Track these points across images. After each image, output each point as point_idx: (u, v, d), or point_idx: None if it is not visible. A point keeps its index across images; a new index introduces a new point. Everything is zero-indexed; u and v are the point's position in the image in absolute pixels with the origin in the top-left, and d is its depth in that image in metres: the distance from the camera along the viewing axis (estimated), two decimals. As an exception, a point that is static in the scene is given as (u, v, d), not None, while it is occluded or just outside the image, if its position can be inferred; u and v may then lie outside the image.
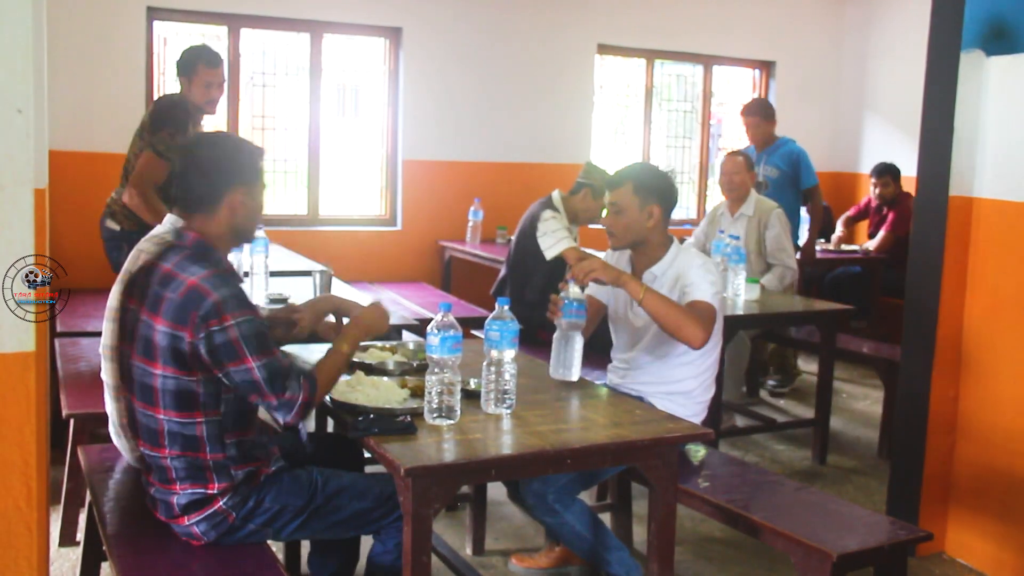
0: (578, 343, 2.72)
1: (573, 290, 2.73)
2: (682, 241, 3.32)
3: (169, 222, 2.79)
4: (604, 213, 5.18)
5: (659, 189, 3.13)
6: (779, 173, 5.93)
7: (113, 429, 2.75)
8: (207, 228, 2.37)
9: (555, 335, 2.76)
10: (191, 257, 2.30)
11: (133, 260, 2.70)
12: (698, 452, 3.22)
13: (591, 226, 5.94)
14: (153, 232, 2.78)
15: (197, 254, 2.31)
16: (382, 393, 2.50)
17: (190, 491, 2.32)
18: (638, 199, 3.09)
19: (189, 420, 2.28)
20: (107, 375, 2.70)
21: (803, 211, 6.79)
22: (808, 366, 6.48)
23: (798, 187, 5.98)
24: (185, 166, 2.38)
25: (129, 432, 2.70)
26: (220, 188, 2.35)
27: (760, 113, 5.98)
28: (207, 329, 2.19)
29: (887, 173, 6.82)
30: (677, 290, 3.06)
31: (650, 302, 2.89)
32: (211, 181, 2.35)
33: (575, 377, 2.73)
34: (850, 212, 7.22)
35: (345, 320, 2.78)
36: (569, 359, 2.71)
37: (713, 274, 3.05)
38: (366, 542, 2.63)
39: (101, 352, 2.73)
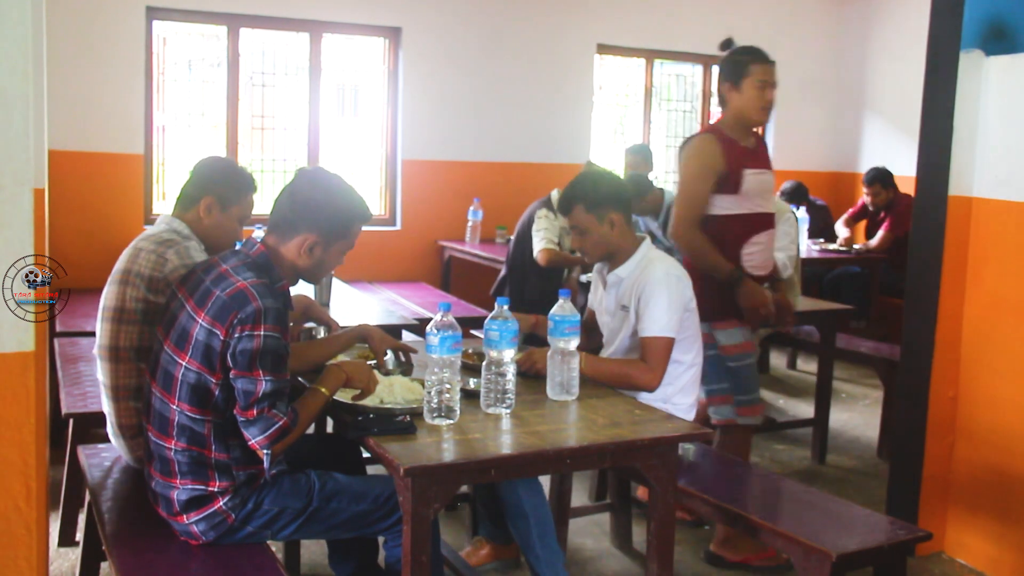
0: (574, 362, 2.66)
1: (567, 306, 2.64)
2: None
3: (164, 221, 2.80)
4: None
5: (609, 196, 3.06)
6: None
7: (111, 429, 2.75)
8: (277, 247, 2.44)
9: (549, 354, 2.67)
10: (250, 265, 2.37)
11: (131, 258, 2.70)
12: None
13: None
14: (149, 231, 2.79)
15: (257, 264, 2.39)
16: (400, 392, 2.51)
17: (191, 487, 2.32)
18: (593, 215, 3.05)
19: (199, 417, 2.31)
20: (103, 375, 2.70)
21: (803, 210, 6.83)
22: (808, 366, 6.49)
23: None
24: (294, 190, 2.46)
25: (127, 432, 2.70)
26: (301, 223, 2.42)
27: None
28: (240, 332, 2.24)
29: (876, 182, 6.84)
30: (635, 304, 3.04)
31: (591, 371, 2.91)
32: (297, 214, 2.42)
33: (574, 396, 2.67)
34: (849, 212, 7.22)
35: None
36: (567, 379, 2.64)
37: (669, 295, 2.98)
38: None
39: (96, 353, 2.72)
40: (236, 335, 2.24)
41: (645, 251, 3.10)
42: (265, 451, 2.27)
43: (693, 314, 3.11)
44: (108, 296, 2.70)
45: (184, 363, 2.30)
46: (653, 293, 2.98)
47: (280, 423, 2.26)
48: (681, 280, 3.05)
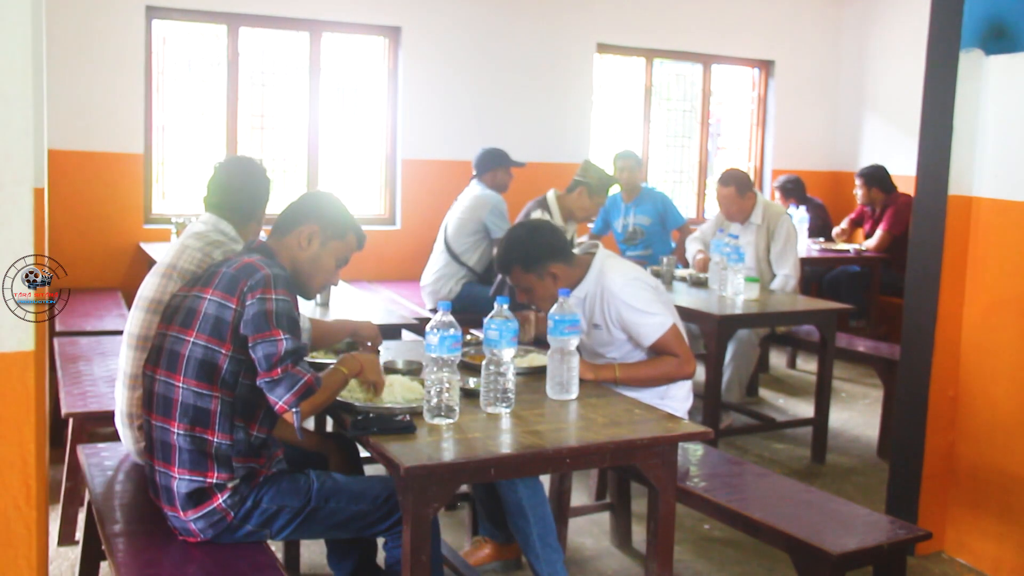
0: (574, 361, 2.67)
1: (566, 305, 2.65)
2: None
3: (211, 223, 2.82)
4: (600, 210, 5.32)
5: (543, 250, 3.05)
6: (650, 221, 6.07)
7: (120, 418, 2.75)
8: (278, 241, 2.54)
9: (549, 353, 2.69)
10: (251, 251, 2.49)
11: (177, 254, 2.72)
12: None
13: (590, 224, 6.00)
14: (197, 230, 2.80)
15: (258, 251, 2.49)
16: (400, 392, 2.51)
17: (189, 478, 2.32)
18: (532, 274, 3.07)
19: (206, 392, 2.32)
20: (126, 363, 2.70)
21: (803, 209, 6.84)
22: (808, 365, 6.49)
23: (667, 228, 6.17)
24: (300, 197, 2.63)
25: (137, 421, 2.70)
26: (302, 216, 2.54)
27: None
28: (252, 297, 2.30)
29: (860, 177, 6.87)
30: (611, 321, 3.11)
31: (626, 379, 3.03)
32: (300, 210, 2.56)
33: (574, 395, 2.68)
34: (852, 215, 7.22)
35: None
36: (567, 378, 2.65)
37: (639, 297, 3.08)
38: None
39: (126, 340, 2.73)
40: (248, 301, 2.29)
41: (599, 264, 3.17)
42: (294, 410, 2.28)
43: (666, 294, 3.23)
44: (148, 286, 2.73)
45: (191, 339, 2.33)
46: (627, 304, 3.08)
47: (305, 379, 2.29)
48: (638, 277, 3.15)
